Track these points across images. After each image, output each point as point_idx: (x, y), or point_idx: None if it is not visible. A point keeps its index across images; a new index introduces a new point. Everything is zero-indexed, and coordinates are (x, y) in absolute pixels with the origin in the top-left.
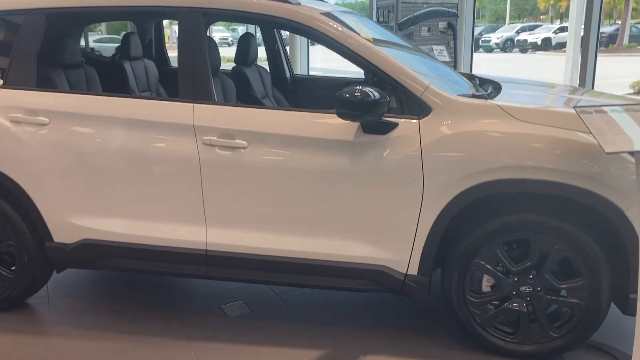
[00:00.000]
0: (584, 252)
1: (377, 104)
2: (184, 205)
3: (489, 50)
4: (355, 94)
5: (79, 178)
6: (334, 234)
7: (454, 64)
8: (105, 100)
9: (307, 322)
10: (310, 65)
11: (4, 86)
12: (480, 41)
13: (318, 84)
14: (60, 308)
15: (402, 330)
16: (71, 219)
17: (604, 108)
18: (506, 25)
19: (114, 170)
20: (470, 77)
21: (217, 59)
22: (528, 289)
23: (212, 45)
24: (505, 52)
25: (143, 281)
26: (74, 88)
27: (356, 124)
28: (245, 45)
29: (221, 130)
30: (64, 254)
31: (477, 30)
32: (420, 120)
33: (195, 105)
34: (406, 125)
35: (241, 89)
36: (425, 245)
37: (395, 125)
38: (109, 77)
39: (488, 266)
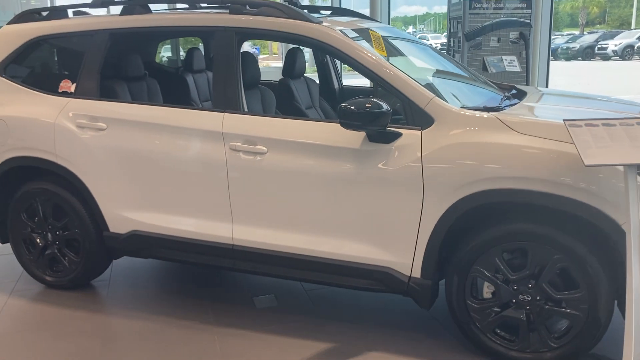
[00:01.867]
0: (580, 264)
1: (378, 115)
2: (215, 204)
3: (606, 58)
4: (359, 105)
5: (129, 176)
6: (343, 235)
7: (526, 75)
8: (152, 109)
9: (324, 319)
10: None
11: (73, 96)
12: (596, 48)
13: (365, 94)
14: (117, 291)
15: (411, 331)
16: (123, 212)
17: (596, 122)
18: (627, 31)
19: (156, 170)
20: (509, 89)
21: (254, 72)
22: (527, 298)
23: (250, 61)
24: (624, 60)
25: (192, 272)
26: (135, 98)
27: (363, 134)
28: (291, 59)
29: (245, 137)
30: (117, 243)
31: (593, 37)
32: (423, 131)
33: (225, 114)
34: (409, 135)
35: (285, 100)
36: (427, 249)
37: (399, 135)
38: (173, 88)
39: (487, 273)
